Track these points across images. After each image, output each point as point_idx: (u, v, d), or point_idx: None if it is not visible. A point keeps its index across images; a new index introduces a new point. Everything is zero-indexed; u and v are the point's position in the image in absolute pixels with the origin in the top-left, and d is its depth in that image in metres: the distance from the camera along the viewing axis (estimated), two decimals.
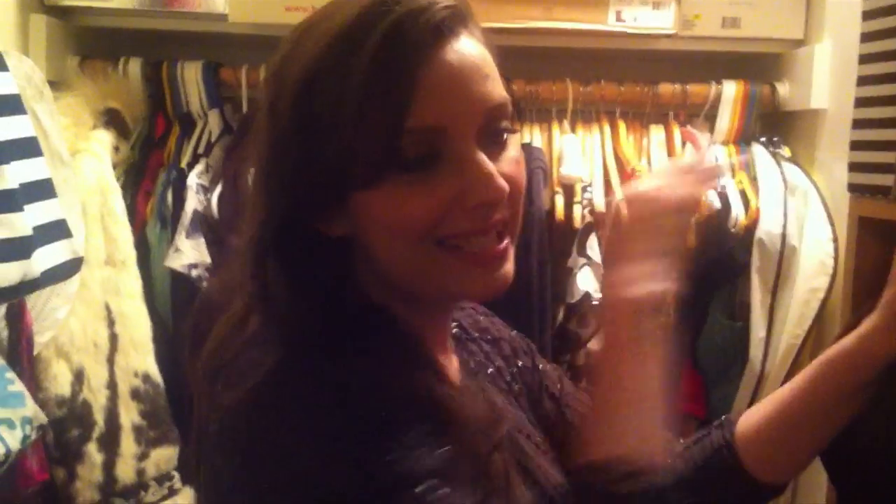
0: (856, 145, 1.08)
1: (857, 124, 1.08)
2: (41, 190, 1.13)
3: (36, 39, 1.60)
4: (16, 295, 1.08)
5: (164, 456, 1.49)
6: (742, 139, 1.66)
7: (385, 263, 0.68)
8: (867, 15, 1.10)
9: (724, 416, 0.91)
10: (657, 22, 1.61)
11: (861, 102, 1.08)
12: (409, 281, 0.69)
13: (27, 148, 1.11)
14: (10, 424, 1.14)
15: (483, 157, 0.65)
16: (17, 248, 1.05)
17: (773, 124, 1.70)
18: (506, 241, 0.69)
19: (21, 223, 1.06)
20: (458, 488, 0.61)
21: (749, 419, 0.87)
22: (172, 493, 1.50)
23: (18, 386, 1.18)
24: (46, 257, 1.11)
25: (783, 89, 1.64)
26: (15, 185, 1.06)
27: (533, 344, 0.96)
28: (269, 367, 0.63)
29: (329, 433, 0.60)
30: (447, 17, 0.64)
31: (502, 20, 1.58)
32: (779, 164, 1.59)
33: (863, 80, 1.08)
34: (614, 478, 0.67)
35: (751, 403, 1.53)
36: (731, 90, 1.64)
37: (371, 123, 0.62)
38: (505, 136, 0.69)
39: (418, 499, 0.59)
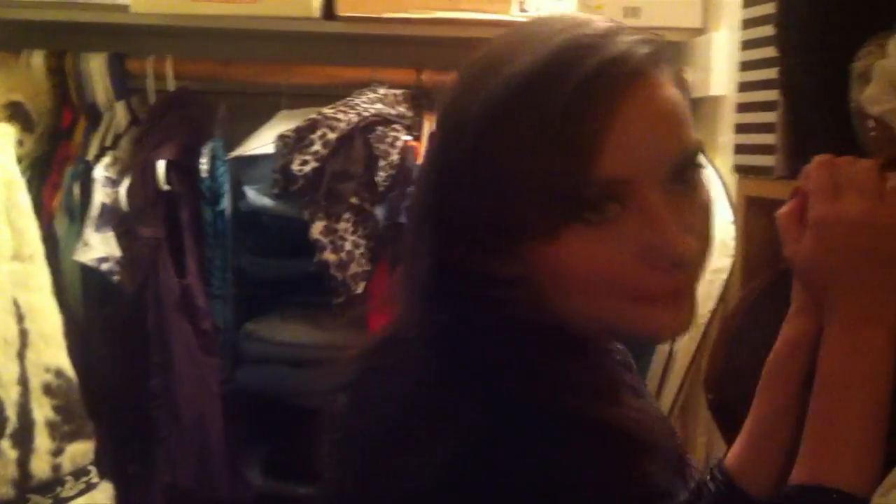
0: (740, 128, 1.15)
1: (741, 108, 1.16)
2: None
3: None
4: None
5: (80, 450, 1.50)
6: None
7: (560, 307, 0.66)
8: (748, 2, 1.18)
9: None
10: (560, 10, 1.68)
11: (744, 87, 1.16)
12: (588, 325, 0.67)
13: None
14: None
15: (667, 211, 0.63)
16: None
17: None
18: (692, 289, 0.68)
19: None
20: None
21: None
22: (90, 487, 1.51)
23: None
24: None
25: (690, 75, 1.72)
26: None
27: None
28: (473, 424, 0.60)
29: None
30: (645, 63, 0.63)
31: (406, 10, 1.62)
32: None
33: (745, 66, 1.16)
34: None
35: (661, 380, 1.62)
36: None
37: (556, 173, 0.60)
38: (694, 179, 0.67)
39: None
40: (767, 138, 1.05)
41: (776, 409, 0.79)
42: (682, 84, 0.67)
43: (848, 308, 0.73)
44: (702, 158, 0.68)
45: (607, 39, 0.63)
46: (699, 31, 1.70)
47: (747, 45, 1.15)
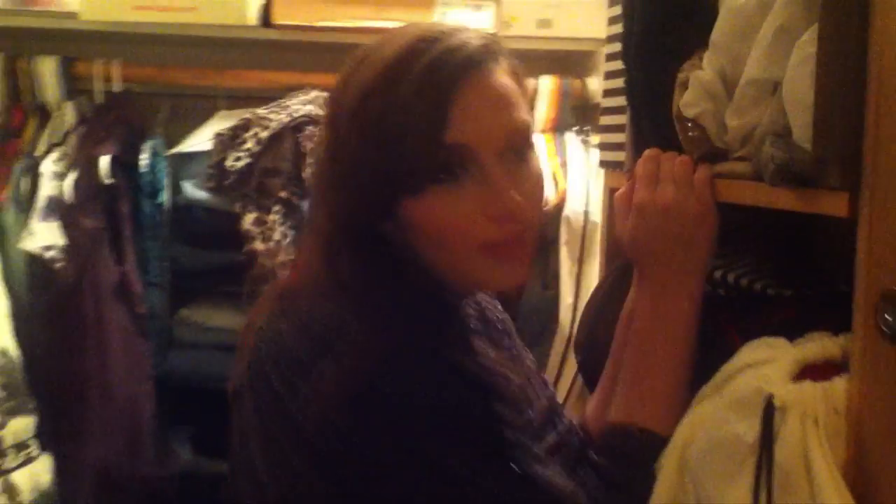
0: (602, 129, 1.31)
1: (603, 111, 1.31)
2: None
3: None
4: None
5: (22, 425, 1.63)
6: (557, 128, 1.89)
7: (426, 259, 0.82)
8: (611, 20, 1.33)
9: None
10: (478, 23, 1.84)
11: (606, 93, 1.32)
12: (446, 274, 0.82)
13: None
14: None
15: (501, 174, 0.78)
16: None
17: (585, 115, 1.93)
18: (527, 244, 0.83)
19: None
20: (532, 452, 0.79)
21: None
22: (30, 459, 1.63)
23: None
24: None
25: (592, 84, 1.88)
26: None
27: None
28: (353, 346, 0.75)
29: (443, 405, 0.76)
30: (478, 53, 0.80)
31: (336, 19, 1.78)
32: (587, 150, 1.83)
33: (607, 75, 1.32)
34: (631, 448, 0.83)
35: (561, 363, 1.77)
36: (546, 84, 1.88)
37: (413, 139, 0.76)
38: (526, 153, 0.83)
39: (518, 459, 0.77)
40: (619, 137, 1.20)
41: (617, 369, 0.94)
42: (516, 75, 0.84)
43: (655, 281, 0.90)
44: (534, 138, 0.85)
45: (450, 35, 0.81)
46: (604, 42, 1.86)
47: (609, 57, 1.31)
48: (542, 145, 1.88)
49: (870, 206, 0.65)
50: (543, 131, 1.90)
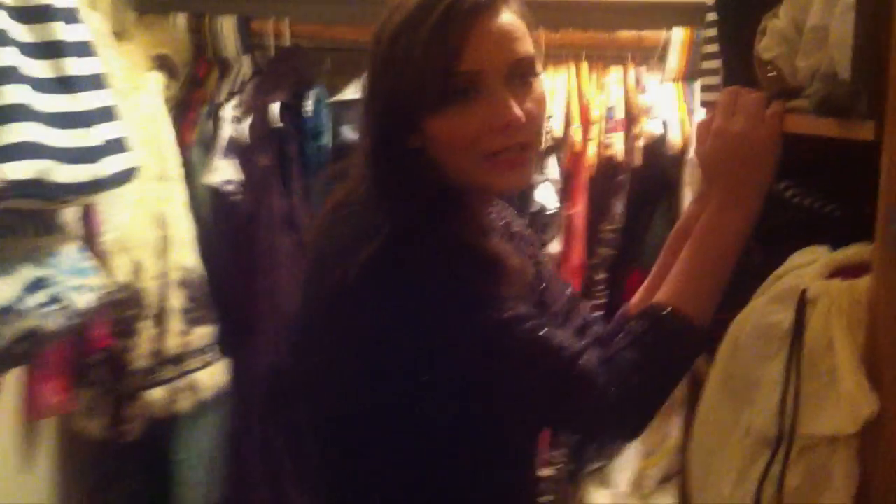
0: (702, 72, 1.47)
1: (703, 57, 1.48)
2: (108, 114, 1.54)
3: None
4: (88, 191, 1.50)
5: (205, 333, 1.92)
6: (687, 77, 2.00)
7: (446, 167, 1.01)
8: None
9: None
10: None
11: (706, 41, 1.48)
12: (462, 179, 1.03)
13: (98, 82, 1.53)
14: (82, 290, 1.57)
15: (506, 93, 0.97)
16: (88, 154, 1.47)
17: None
18: (527, 154, 1.02)
19: (92, 135, 1.48)
20: (542, 320, 0.98)
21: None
22: (211, 363, 1.93)
23: (89, 263, 1.61)
24: (111, 165, 1.53)
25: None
26: (90, 108, 1.48)
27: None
28: (387, 237, 0.94)
29: (453, 283, 0.95)
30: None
31: None
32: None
33: (708, 24, 1.48)
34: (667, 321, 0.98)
35: None
36: (679, 36, 1.99)
37: (434, 66, 0.95)
38: (530, 80, 1.01)
39: (532, 329, 0.96)
40: (716, 79, 1.35)
41: (670, 262, 1.10)
42: (524, 15, 1.02)
43: (722, 196, 1.05)
44: (537, 67, 1.03)
45: None
46: None
47: (709, 8, 1.46)
48: (672, 93, 2.00)
49: (892, 132, 0.78)
50: (674, 80, 2.01)
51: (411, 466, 1.05)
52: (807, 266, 0.87)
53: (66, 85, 1.46)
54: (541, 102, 1.03)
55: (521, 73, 1.00)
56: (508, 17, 1.00)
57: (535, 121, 1.02)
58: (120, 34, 1.98)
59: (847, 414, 0.76)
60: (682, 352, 0.99)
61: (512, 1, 1.01)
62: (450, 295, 0.95)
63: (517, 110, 0.98)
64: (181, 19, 2.10)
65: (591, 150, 1.94)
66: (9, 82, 1.34)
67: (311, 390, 1.12)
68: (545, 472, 1.98)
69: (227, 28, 2.09)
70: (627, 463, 2.02)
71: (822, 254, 0.88)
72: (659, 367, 0.96)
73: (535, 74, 1.03)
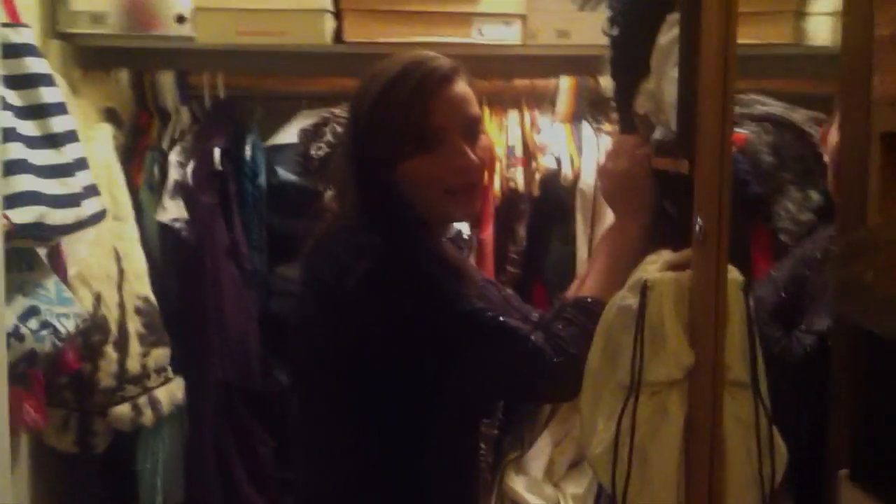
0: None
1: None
2: (83, 163, 1.88)
3: (51, 58, 2.33)
4: (73, 230, 1.83)
5: (161, 354, 2.23)
6: (574, 118, 2.45)
7: (415, 201, 1.37)
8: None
9: None
10: (508, 35, 2.40)
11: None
12: (426, 210, 1.38)
13: (73, 136, 1.87)
14: (66, 317, 1.89)
15: (463, 144, 1.36)
16: (73, 199, 1.81)
17: (598, 107, 2.47)
18: (477, 191, 1.42)
19: (74, 183, 1.82)
20: (497, 311, 1.36)
21: None
22: (167, 380, 2.25)
23: (69, 294, 1.94)
24: (89, 207, 1.87)
25: (605, 81, 2.43)
26: (70, 159, 1.82)
27: None
28: (377, 252, 1.30)
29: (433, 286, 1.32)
30: (449, 71, 1.38)
31: (394, 37, 2.35)
32: (598, 135, 2.39)
33: None
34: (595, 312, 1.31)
35: None
36: (565, 83, 2.44)
37: (411, 122, 1.33)
38: (479, 134, 1.42)
39: (492, 317, 1.33)
40: None
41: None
42: (472, 84, 1.43)
43: (619, 215, 1.47)
44: (483, 126, 1.45)
45: (431, 60, 1.40)
46: None
47: None
48: (563, 132, 2.44)
49: (699, 168, 1.20)
50: (563, 121, 2.45)
51: (382, 449, 1.40)
52: (652, 263, 1.28)
53: (51, 141, 1.80)
54: (487, 150, 1.44)
55: (472, 129, 1.40)
56: (464, 86, 1.40)
57: (483, 165, 1.42)
58: (70, 91, 2.31)
59: (674, 365, 1.17)
60: None
61: (463, 72, 1.41)
62: (428, 294, 1.32)
63: (473, 157, 1.38)
64: (123, 75, 2.42)
65: (497, 184, 2.36)
66: (9, 141, 1.68)
67: (310, 382, 1.48)
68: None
69: (165, 82, 2.42)
70: (540, 452, 2.42)
71: (665, 254, 1.29)
72: (587, 340, 1.32)
73: (483, 130, 1.44)
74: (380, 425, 1.40)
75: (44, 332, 1.79)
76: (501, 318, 1.34)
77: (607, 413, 1.26)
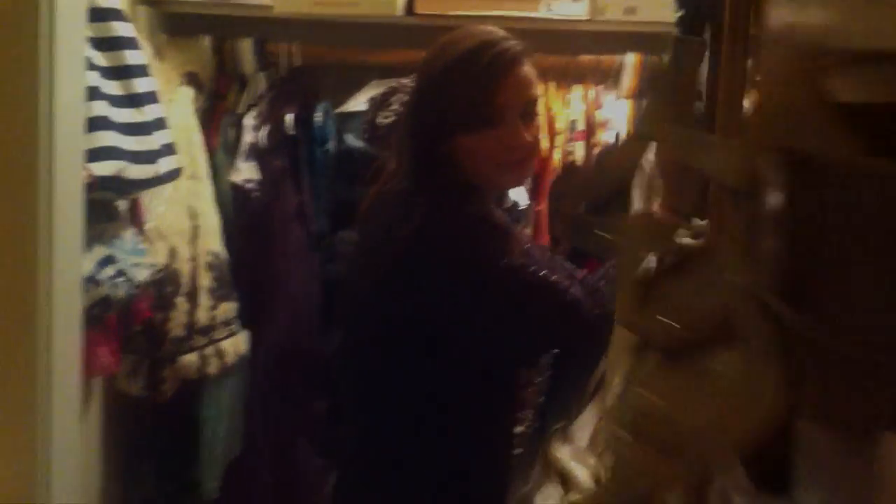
0: None
1: None
2: (162, 123, 2.02)
3: (139, 23, 2.48)
4: (150, 185, 1.97)
5: (228, 308, 2.37)
6: (638, 95, 2.50)
7: (467, 170, 1.48)
8: None
9: None
10: (577, 11, 2.46)
11: None
12: (478, 179, 1.50)
13: (154, 97, 2.00)
14: (140, 266, 2.04)
15: (518, 124, 1.46)
16: (150, 156, 1.94)
17: None
18: (526, 164, 1.54)
19: (152, 141, 1.96)
20: (541, 266, 1.46)
21: None
22: (233, 333, 2.39)
23: (144, 245, 2.09)
24: (165, 165, 2.00)
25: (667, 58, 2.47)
26: (150, 119, 1.96)
27: None
28: (427, 212, 1.43)
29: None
30: (517, 54, 1.48)
31: (462, 10, 2.44)
32: None
33: None
34: None
35: None
36: (631, 60, 2.49)
37: (478, 97, 1.44)
38: (534, 115, 1.52)
39: (535, 271, 1.44)
40: None
41: None
42: (533, 65, 1.51)
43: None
44: (538, 107, 1.53)
45: (505, 40, 1.49)
46: None
47: None
48: (625, 109, 2.49)
49: None
50: (626, 97, 2.51)
51: (427, 403, 1.52)
52: None
53: (133, 100, 1.94)
54: (538, 130, 1.53)
55: (531, 110, 1.50)
56: (530, 68, 1.50)
57: (535, 143, 1.52)
58: (155, 55, 2.45)
59: None
60: None
61: (529, 54, 1.50)
62: (476, 251, 1.42)
63: (528, 137, 1.48)
64: (206, 42, 2.56)
65: (556, 157, 2.43)
66: (94, 99, 1.82)
67: (362, 336, 1.59)
68: (517, 428, 2.45)
69: (245, 49, 2.55)
70: (587, 422, 2.49)
71: None
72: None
73: (538, 112, 1.53)
74: (424, 381, 1.50)
75: (119, 280, 1.93)
76: (542, 273, 1.42)
77: (623, 370, 1.34)
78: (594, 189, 1.63)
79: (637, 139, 1.49)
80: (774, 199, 0.66)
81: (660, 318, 0.93)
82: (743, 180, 0.74)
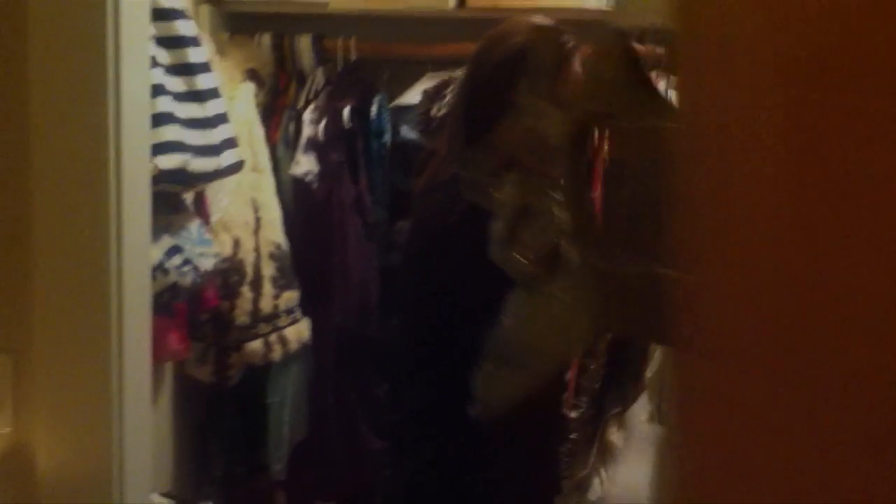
0: None
1: None
2: (224, 118, 2.11)
3: (201, 22, 2.58)
4: (213, 178, 2.07)
5: (291, 296, 2.46)
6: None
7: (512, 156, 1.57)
8: None
9: None
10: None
11: None
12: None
13: (216, 92, 2.09)
14: (205, 256, 2.13)
15: None
16: (212, 150, 2.04)
17: None
18: None
19: (214, 135, 2.05)
20: None
21: None
22: (296, 321, 2.47)
23: (209, 236, 2.18)
24: (227, 158, 2.10)
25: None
26: (212, 114, 2.05)
27: None
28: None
29: None
30: (574, 47, 1.55)
31: (513, 2, 2.49)
32: None
33: None
34: None
35: None
36: None
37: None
38: None
39: None
40: None
41: None
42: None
43: None
44: None
45: (560, 33, 1.52)
46: None
47: None
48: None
49: None
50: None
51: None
52: None
53: (196, 96, 2.03)
54: None
55: None
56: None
57: None
58: (217, 52, 2.55)
59: None
60: None
61: (579, 46, 1.56)
62: None
63: None
64: (265, 39, 2.65)
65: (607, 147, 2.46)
66: (158, 95, 1.91)
67: (415, 315, 1.65)
68: (572, 414, 2.50)
69: (303, 45, 2.64)
70: (642, 409, 2.53)
71: None
72: None
73: None
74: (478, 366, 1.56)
75: (185, 268, 2.03)
76: None
77: None
78: None
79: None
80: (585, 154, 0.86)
81: (515, 255, 1.08)
82: (563, 140, 0.89)
